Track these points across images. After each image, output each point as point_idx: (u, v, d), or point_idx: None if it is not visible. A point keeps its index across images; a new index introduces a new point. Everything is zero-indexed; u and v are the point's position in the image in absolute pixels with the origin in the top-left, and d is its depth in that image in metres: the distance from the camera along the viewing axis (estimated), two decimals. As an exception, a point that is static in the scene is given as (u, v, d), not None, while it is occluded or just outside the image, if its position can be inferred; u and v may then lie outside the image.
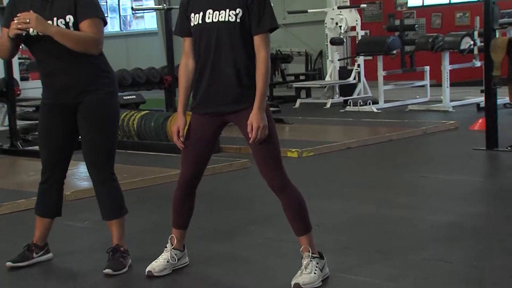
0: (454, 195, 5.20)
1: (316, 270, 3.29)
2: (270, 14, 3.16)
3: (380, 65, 11.36)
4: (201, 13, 3.20)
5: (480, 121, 8.12)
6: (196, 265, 3.65)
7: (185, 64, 3.34)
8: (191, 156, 3.36)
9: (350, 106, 11.23)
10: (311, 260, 3.30)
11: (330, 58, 12.75)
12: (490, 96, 6.96)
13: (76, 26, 3.52)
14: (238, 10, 3.13)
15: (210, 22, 3.18)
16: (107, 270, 3.63)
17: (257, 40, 3.15)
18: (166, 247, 3.59)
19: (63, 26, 3.50)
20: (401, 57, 11.82)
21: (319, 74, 16.38)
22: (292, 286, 3.24)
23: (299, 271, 3.29)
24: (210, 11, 3.18)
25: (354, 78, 12.21)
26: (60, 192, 3.87)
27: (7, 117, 8.48)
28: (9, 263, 3.76)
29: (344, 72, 12.59)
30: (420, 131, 8.29)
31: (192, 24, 3.25)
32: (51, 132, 3.71)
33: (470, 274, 3.44)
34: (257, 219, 4.67)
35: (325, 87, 12.76)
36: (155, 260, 3.56)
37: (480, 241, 3.98)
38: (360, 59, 12.01)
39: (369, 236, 4.16)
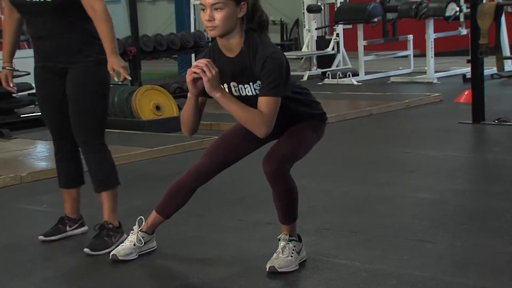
0: (437, 171, 5.26)
1: (293, 253, 3.32)
2: (274, 84, 3.14)
3: (360, 34, 11.38)
4: (226, 85, 3.25)
5: (466, 93, 8.20)
6: (165, 249, 3.67)
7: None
8: (226, 151, 3.39)
9: (328, 78, 11.26)
10: (288, 243, 3.33)
11: (307, 27, 12.75)
12: (477, 66, 7.02)
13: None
14: (258, 82, 3.19)
15: (238, 96, 3.24)
16: (86, 250, 3.69)
17: (259, 100, 3.17)
18: (133, 229, 3.60)
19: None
20: (382, 26, 11.85)
21: (295, 44, 16.41)
22: (267, 269, 3.28)
23: (275, 254, 3.32)
24: (234, 84, 3.24)
25: (333, 49, 12.23)
26: (76, 160, 3.94)
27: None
28: (41, 237, 3.88)
29: (322, 42, 12.60)
30: (403, 104, 8.35)
31: None
32: (48, 97, 3.82)
33: (454, 255, 3.49)
34: (228, 200, 4.69)
35: (301, 58, 12.77)
36: (121, 244, 3.57)
37: (464, 220, 4.04)
38: (339, 28, 12.02)
39: (349, 216, 4.21)
